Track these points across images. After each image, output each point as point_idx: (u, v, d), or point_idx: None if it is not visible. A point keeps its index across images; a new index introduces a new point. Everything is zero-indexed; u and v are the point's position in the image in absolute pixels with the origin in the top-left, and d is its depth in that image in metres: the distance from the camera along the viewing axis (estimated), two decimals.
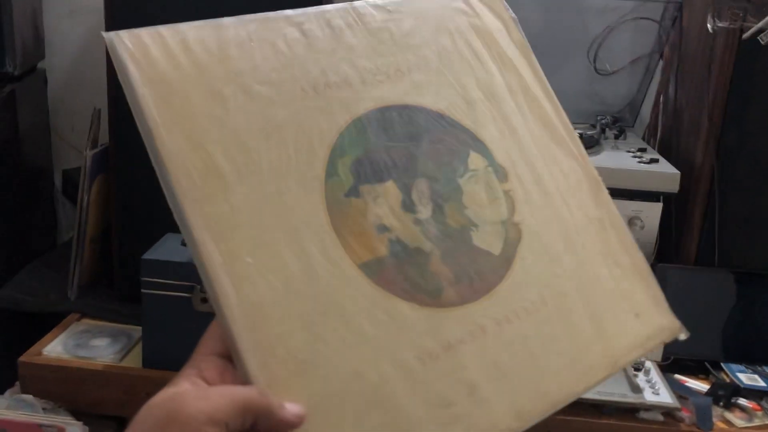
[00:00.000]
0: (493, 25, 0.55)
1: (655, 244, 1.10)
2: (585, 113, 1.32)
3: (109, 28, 1.09)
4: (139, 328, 0.98)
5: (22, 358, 0.96)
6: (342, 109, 0.47)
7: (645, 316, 0.52)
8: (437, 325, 0.45)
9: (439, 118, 0.50)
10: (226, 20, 0.45)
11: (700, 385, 0.96)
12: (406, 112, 0.49)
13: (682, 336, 0.52)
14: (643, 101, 1.34)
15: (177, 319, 0.91)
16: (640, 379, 0.93)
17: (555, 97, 0.55)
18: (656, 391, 0.91)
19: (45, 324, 1.05)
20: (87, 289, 1.13)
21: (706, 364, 1.00)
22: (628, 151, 1.18)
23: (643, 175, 1.09)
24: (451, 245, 0.47)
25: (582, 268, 0.51)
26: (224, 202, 0.42)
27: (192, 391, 0.39)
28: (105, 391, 0.94)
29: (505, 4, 0.56)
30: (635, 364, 0.94)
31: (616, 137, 1.26)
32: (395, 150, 0.47)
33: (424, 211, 0.47)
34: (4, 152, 1.19)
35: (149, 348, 0.94)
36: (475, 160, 0.50)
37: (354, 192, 0.45)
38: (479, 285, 0.47)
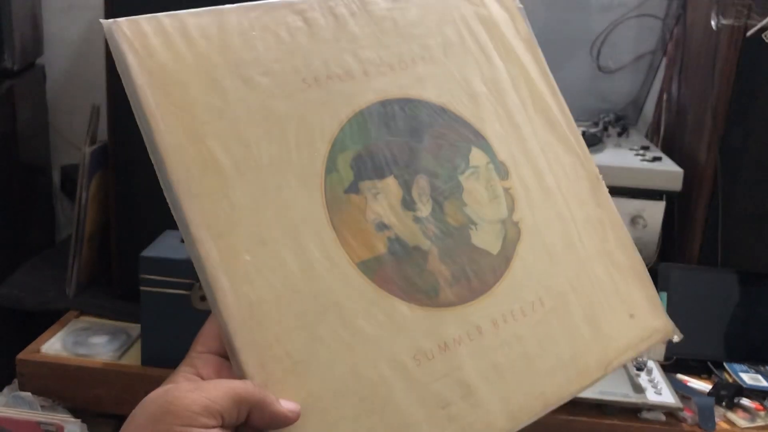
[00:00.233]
0: (499, 15, 0.54)
1: (658, 243, 1.09)
2: (588, 111, 1.32)
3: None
4: (138, 325, 0.97)
5: (21, 356, 0.95)
6: (344, 102, 0.46)
7: (639, 318, 0.51)
8: (434, 326, 0.44)
9: (442, 112, 0.49)
10: (228, 8, 0.44)
11: (703, 385, 0.96)
12: (409, 105, 0.48)
13: (675, 338, 0.52)
14: (646, 99, 1.34)
15: (176, 317, 0.91)
16: (643, 379, 0.93)
17: (559, 93, 0.55)
18: (658, 391, 0.91)
19: (43, 321, 1.05)
20: (85, 286, 1.13)
21: (709, 363, 0.99)
22: (631, 149, 1.17)
23: (646, 173, 1.08)
24: (450, 244, 0.46)
25: (580, 268, 0.50)
26: (223, 198, 0.41)
27: (187, 384, 0.39)
28: (103, 389, 0.94)
29: None
30: (637, 363, 0.94)
31: (619, 135, 1.26)
32: (396, 145, 0.47)
33: (424, 209, 0.46)
34: (2, 149, 1.19)
35: (148, 346, 0.93)
36: (476, 156, 0.50)
37: (353, 188, 0.44)
38: (477, 285, 0.46)
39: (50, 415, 0.90)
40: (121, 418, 1.03)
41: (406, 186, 0.46)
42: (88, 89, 1.33)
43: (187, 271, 0.89)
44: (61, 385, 0.94)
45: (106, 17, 1.00)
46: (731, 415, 0.91)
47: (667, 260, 1.08)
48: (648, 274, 0.53)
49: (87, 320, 1.05)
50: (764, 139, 1.04)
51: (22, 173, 1.26)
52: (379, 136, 0.46)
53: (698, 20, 1.16)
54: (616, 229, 0.53)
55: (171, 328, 0.91)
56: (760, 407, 0.92)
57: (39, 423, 0.89)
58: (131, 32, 0.41)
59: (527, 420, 0.45)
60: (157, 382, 0.39)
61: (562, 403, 0.47)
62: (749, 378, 0.96)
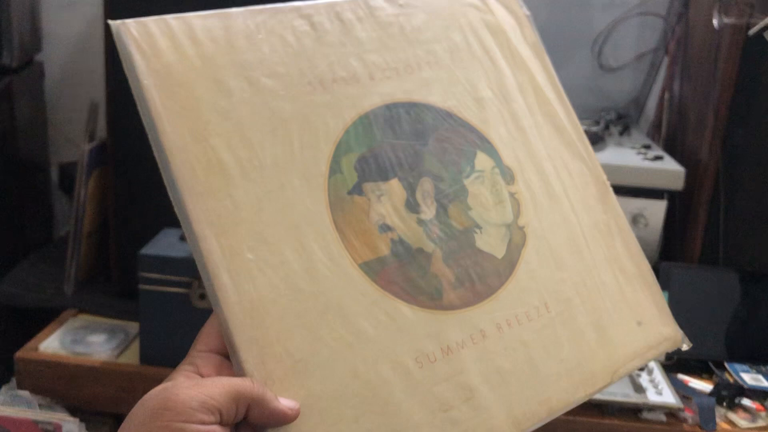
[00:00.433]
0: (506, 22, 0.54)
1: (659, 242, 1.09)
2: (589, 109, 1.31)
3: (107, 21, 1.08)
4: (137, 324, 0.97)
5: (19, 354, 0.95)
6: (349, 104, 0.46)
7: (648, 325, 0.51)
8: (437, 328, 0.44)
9: (447, 116, 0.49)
10: (235, 11, 0.45)
11: (704, 385, 0.95)
12: (414, 109, 0.48)
13: (684, 347, 0.52)
14: (647, 97, 1.34)
15: (174, 315, 0.90)
16: (643, 379, 0.93)
17: (566, 98, 0.54)
18: (659, 391, 0.91)
19: (41, 319, 1.05)
20: (84, 284, 1.13)
21: (710, 364, 0.99)
22: (633, 148, 1.17)
23: (648, 172, 1.08)
24: (454, 247, 0.46)
25: (587, 274, 0.50)
26: (227, 196, 0.41)
27: (185, 381, 0.39)
28: (102, 388, 0.94)
29: (520, 0, 0.55)
30: None
31: (621, 134, 1.26)
32: (401, 147, 0.47)
33: (428, 212, 0.46)
34: (1, 146, 1.18)
35: (146, 344, 0.93)
36: (482, 160, 0.49)
37: (357, 190, 0.44)
38: (481, 288, 0.46)
39: (48, 414, 0.90)
40: (119, 417, 1.03)
41: (410, 188, 0.46)
42: (86, 86, 1.33)
43: (185, 269, 0.89)
44: (59, 384, 0.94)
45: (105, 14, 1.01)
46: (732, 416, 0.91)
47: (668, 259, 1.08)
48: (656, 281, 0.53)
49: (85, 318, 1.05)
50: (766, 138, 1.04)
51: (21, 170, 1.25)
52: (384, 139, 0.46)
53: (700, 19, 1.16)
54: (624, 236, 0.53)
55: (169, 326, 0.91)
56: (761, 407, 0.92)
57: (37, 422, 0.89)
58: (139, 33, 0.42)
59: (531, 426, 0.45)
60: (156, 381, 0.39)
61: (567, 409, 0.46)
62: (750, 378, 0.96)
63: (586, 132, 1.18)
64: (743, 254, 1.06)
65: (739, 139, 1.04)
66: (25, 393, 0.93)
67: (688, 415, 0.89)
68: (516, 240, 0.48)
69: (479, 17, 0.53)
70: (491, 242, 0.48)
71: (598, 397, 0.89)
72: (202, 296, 0.90)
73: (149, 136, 0.41)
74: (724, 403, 0.92)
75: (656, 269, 1.01)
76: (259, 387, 0.38)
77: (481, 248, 0.47)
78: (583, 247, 0.50)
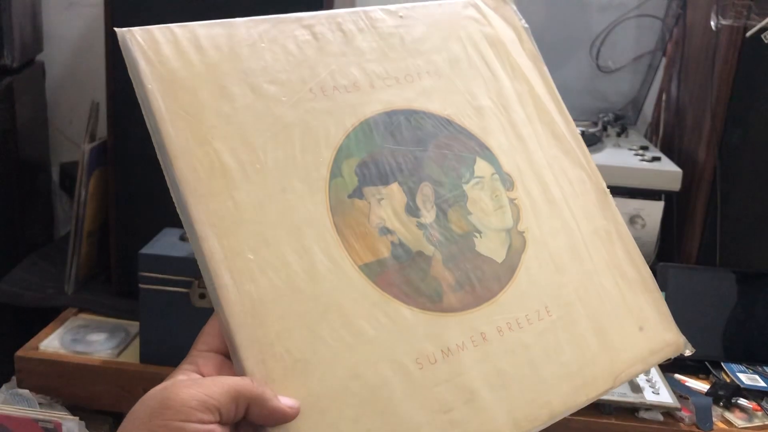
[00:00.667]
0: (505, 33, 0.55)
1: (657, 242, 1.10)
2: (587, 110, 1.32)
3: (108, 22, 1.09)
4: (137, 323, 0.97)
5: (19, 353, 0.95)
6: (349, 111, 0.47)
7: (649, 330, 0.51)
8: (437, 330, 0.44)
9: (447, 123, 0.50)
10: (238, 20, 0.46)
11: (701, 385, 0.96)
12: (414, 116, 0.49)
13: (687, 352, 0.52)
14: (645, 99, 1.34)
15: (174, 315, 0.91)
16: (640, 378, 0.93)
17: (565, 107, 0.55)
18: (656, 391, 0.91)
19: (42, 318, 1.05)
20: (84, 283, 1.13)
21: (707, 363, 0.99)
22: (630, 149, 1.17)
23: (645, 173, 1.08)
24: (454, 250, 0.47)
25: (588, 279, 0.50)
26: (228, 198, 0.42)
27: (185, 381, 0.39)
28: (102, 387, 0.94)
29: (518, 13, 0.56)
30: None
31: (618, 135, 1.26)
32: (401, 153, 0.47)
33: (428, 216, 0.47)
34: (2, 145, 1.18)
35: (146, 343, 0.93)
36: (481, 167, 0.50)
37: (357, 193, 0.45)
38: (481, 291, 0.46)
39: (48, 413, 0.90)
40: (119, 416, 1.03)
41: (411, 193, 0.47)
42: (87, 86, 1.33)
43: (186, 268, 0.89)
44: (60, 383, 0.94)
45: (106, 14, 1.01)
46: (729, 415, 0.92)
47: (665, 260, 1.08)
48: (658, 287, 0.53)
49: (85, 317, 1.05)
50: (763, 140, 1.05)
51: (22, 170, 1.25)
52: (384, 145, 0.47)
53: (698, 20, 1.16)
54: (625, 242, 0.53)
55: (169, 325, 0.91)
56: (758, 407, 0.93)
57: (37, 420, 0.89)
58: (144, 40, 0.43)
59: (533, 429, 0.45)
60: (156, 380, 0.39)
61: (568, 413, 0.46)
62: (747, 378, 0.96)
63: (584, 133, 1.18)
64: (740, 255, 1.07)
65: (736, 140, 1.05)
66: (26, 392, 0.93)
67: (685, 414, 0.89)
68: (516, 245, 0.49)
69: (478, 29, 0.54)
70: (491, 247, 0.48)
71: None
72: (202, 296, 0.90)
73: (153, 140, 0.42)
74: (721, 403, 0.93)
75: (653, 270, 1.01)
76: (259, 386, 0.39)
77: (481, 252, 0.48)
78: (583, 253, 0.51)
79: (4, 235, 1.20)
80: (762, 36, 1.00)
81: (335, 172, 0.45)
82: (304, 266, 0.42)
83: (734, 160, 1.05)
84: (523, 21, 0.56)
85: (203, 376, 0.40)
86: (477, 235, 0.48)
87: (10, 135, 1.20)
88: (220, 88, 0.43)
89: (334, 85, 0.47)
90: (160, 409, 0.36)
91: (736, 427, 0.90)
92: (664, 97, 1.29)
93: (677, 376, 0.97)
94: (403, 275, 0.44)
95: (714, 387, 0.94)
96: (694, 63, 1.16)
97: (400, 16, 0.51)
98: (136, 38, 0.42)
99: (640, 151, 1.15)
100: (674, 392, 0.91)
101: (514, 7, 0.56)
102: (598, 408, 0.90)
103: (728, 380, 0.96)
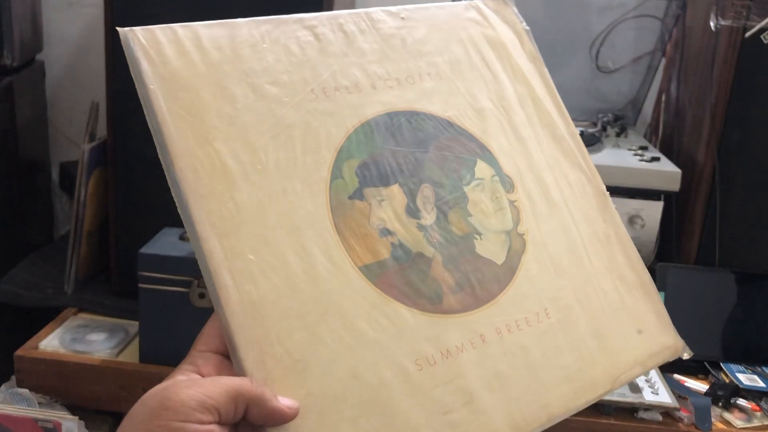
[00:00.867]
0: (506, 36, 0.55)
1: (656, 243, 1.10)
2: (586, 111, 1.32)
3: (108, 21, 1.09)
4: (136, 323, 0.97)
5: (19, 353, 0.95)
6: (351, 112, 0.47)
7: (648, 333, 0.51)
8: (437, 332, 0.44)
9: (448, 125, 0.50)
10: (240, 21, 0.46)
11: (700, 385, 0.96)
12: (415, 118, 0.49)
13: (686, 355, 0.52)
14: (645, 99, 1.34)
15: (174, 315, 0.91)
16: (639, 378, 0.93)
17: (565, 111, 0.55)
18: (655, 391, 0.91)
19: (41, 318, 1.05)
20: (84, 283, 1.13)
21: (706, 364, 0.99)
22: (630, 149, 1.17)
23: (644, 173, 1.08)
24: (454, 252, 0.47)
25: (587, 282, 0.50)
26: (229, 199, 0.42)
27: (184, 381, 0.39)
28: (101, 386, 0.94)
29: (519, 15, 0.56)
30: None
31: (618, 135, 1.26)
32: (402, 155, 0.47)
33: (428, 217, 0.47)
34: (2, 145, 1.18)
35: (146, 343, 0.93)
36: (482, 168, 0.50)
37: (358, 194, 0.45)
38: (481, 293, 0.47)
39: (48, 412, 0.90)
40: (118, 416, 1.03)
41: (411, 194, 0.47)
42: (87, 86, 1.33)
43: (185, 268, 0.89)
44: (59, 382, 0.94)
45: (106, 14, 1.01)
46: (728, 416, 0.92)
47: (664, 260, 1.08)
48: (657, 290, 0.53)
49: (85, 317, 1.05)
50: (762, 140, 1.05)
51: (21, 170, 1.25)
52: (385, 146, 0.47)
53: (697, 21, 1.16)
54: (624, 245, 0.53)
55: (169, 325, 0.91)
56: (757, 408, 0.93)
57: (36, 420, 0.89)
58: (146, 40, 0.43)
59: (531, 431, 0.45)
60: (155, 380, 0.39)
61: (567, 415, 0.47)
62: (746, 378, 0.96)
63: (583, 134, 1.18)
64: (739, 255, 1.07)
65: (736, 140, 1.05)
66: (25, 391, 0.93)
67: (684, 414, 0.89)
68: (516, 247, 0.49)
69: (480, 31, 0.54)
70: (491, 248, 0.48)
71: None
72: (202, 295, 0.90)
73: (154, 140, 0.42)
74: (720, 403, 0.93)
75: (652, 270, 1.01)
76: (258, 386, 0.39)
77: (481, 254, 0.48)
78: (582, 256, 0.51)
79: (4, 235, 1.20)
80: (761, 36, 1.00)
81: (336, 173, 0.45)
82: (304, 267, 0.42)
83: (733, 160, 1.05)
84: (524, 23, 0.56)
85: (203, 376, 0.40)
86: (477, 236, 0.48)
87: (10, 135, 1.20)
88: (222, 88, 0.44)
89: (336, 86, 0.47)
90: (160, 410, 0.36)
91: (735, 427, 0.90)
92: (663, 97, 1.29)
93: (676, 376, 0.97)
94: (403, 276, 0.44)
95: (713, 387, 0.94)
96: (694, 63, 1.16)
97: (402, 18, 0.52)
98: (139, 38, 0.43)
99: (640, 152, 1.16)
100: (673, 392, 0.91)
101: (515, 9, 0.56)
102: (597, 408, 0.90)
103: (727, 380, 0.96)
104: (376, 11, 0.51)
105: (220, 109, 0.43)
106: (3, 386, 0.96)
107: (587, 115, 1.31)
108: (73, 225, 1.10)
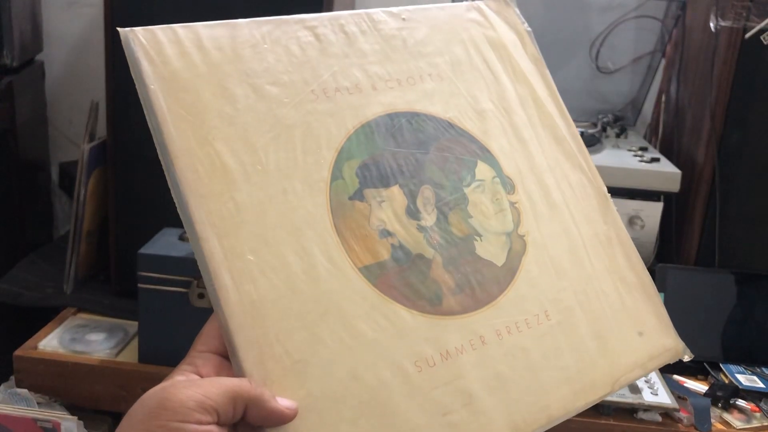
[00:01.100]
0: (507, 37, 0.55)
1: (656, 243, 1.10)
2: (586, 111, 1.32)
3: (108, 21, 1.09)
4: (135, 323, 0.97)
5: (18, 352, 0.95)
6: (351, 113, 0.47)
7: (649, 335, 0.51)
8: (436, 333, 0.44)
9: (448, 126, 0.50)
10: (241, 21, 0.46)
11: (699, 386, 0.96)
12: (416, 119, 0.49)
13: (686, 358, 0.52)
14: (644, 100, 1.34)
15: (173, 315, 0.91)
16: (639, 379, 0.93)
17: (567, 112, 0.55)
18: (655, 392, 0.91)
19: (41, 318, 1.05)
20: (83, 283, 1.13)
21: (705, 364, 0.99)
22: (629, 150, 1.17)
23: (644, 174, 1.08)
24: (454, 253, 0.47)
25: (587, 284, 0.50)
26: (229, 199, 0.42)
27: (183, 381, 0.39)
28: (100, 386, 0.94)
29: (521, 16, 0.56)
30: None
31: (618, 136, 1.26)
32: (402, 156, 0.47)
33: (429, 218, 0.47)
34: (2, 145, 1.18)
35: (145, 343, 0.93)
36: (482, 170, 0.50)
37: (358, 195, 0.45)
38: (481, 295, 0.46)
39: (47, 412, 0.90)
40: (117, 416, 1.03)
41: (411, 195, 0.47)
42: (87, 86, 1.33)
43: (185, 268, 0.89)
44: (58, 382, 0.94)
45: (106, 14, 1.01)
46: (727, 416, 0.92)
47: (664, 261, 1.08)
48: (657, 293, 0.53)
49: (84, 317, 1.05)
50: (762, 141, 1.05)
51: (21, 169, 1.25)
52: (386, 147, 0.47)
53: (697, 22, 1.16)
54: (625, 247, 0.53)
55: (168, 325, 0.91)
56: (756, 408, 0.93)
57: (36, 420, 0.89)
58: (146, 40, 0.43)
59: None
60: (154, 380, 0.39)
61: (567, 417, 0.47)
62: (745, 379, 0.96)
63: (583, 134, 1.18)
64: (739, 256, 1.07)
65: (735, 141, 1.05)
66: (24, 391, 0.93)
67: (683, 415, 0.89)
68: (516, 248, 0.49)
69: (481, 32, 0.54)
70: (491, 250, 0.48)
71: None
72: (201, 295, 0.90)
73: (154, 140, 0.42)
74: (719, 404, 0.93)
75: (652, 271, 1.01)
76: (257, 387, 0.39)
77: (481, 255, 0.48)
78: (583, 257, 0.51)
79: (4, 235, 1.20)
80: (761, 37, 1.00)
81: (336, 173, 0.45)
82: (304, 268, 0.42)
83: (733, 161, 1.05)
84: (526, 24, 0.56)
85: (202, 376, 0.40)
86: (477, 238, 0.48)
87: (10, 134, 1.20)
88: (223, 89, 0.44)
89: (336, 87, 0.47)
90: (158, 410, 0.36)
91: (734, 428, 0.90)
92: (663, 98, 1.29)
93: (676, 377, 0.97)
94: (403, 278, 0.44)
95: (712, 388, 0.94)
96: (694, 64, 1.16)
97: (403, 19, 0.51)
98: (139, 38, 0.43)
99: (639, 152, 1.16)
100: (673, 393, 0.91)
101: (517, 11, 0.56)
102: (597, 409, 0.90)
103: (727, 381, 0.96)
104: (377, 12, 0.51)
105: (221, 109, 0.43)
106: (2, 386, 0.96)
107: (587, 115, 1.31)
108: (72, 225, 1.10)
